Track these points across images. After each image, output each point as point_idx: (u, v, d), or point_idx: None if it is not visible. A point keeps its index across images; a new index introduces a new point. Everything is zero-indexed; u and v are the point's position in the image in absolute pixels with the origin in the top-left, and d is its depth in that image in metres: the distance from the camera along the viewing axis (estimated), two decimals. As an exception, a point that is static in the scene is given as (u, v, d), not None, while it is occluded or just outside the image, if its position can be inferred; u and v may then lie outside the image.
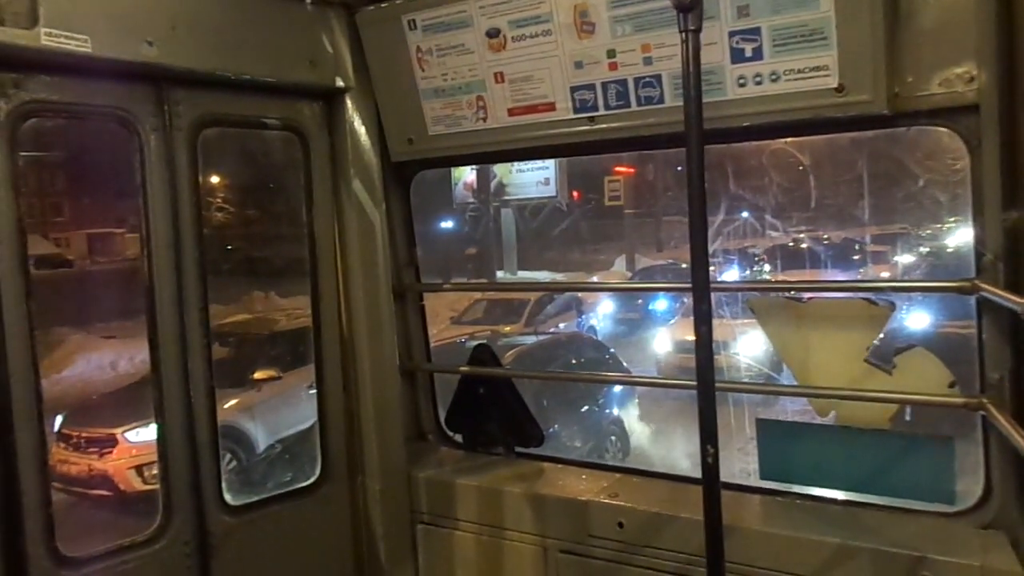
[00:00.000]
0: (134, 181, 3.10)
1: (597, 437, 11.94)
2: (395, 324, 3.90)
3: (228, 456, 10.95)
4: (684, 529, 3.13)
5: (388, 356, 3.80)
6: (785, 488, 3.28)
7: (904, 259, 18.21)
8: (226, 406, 11.04)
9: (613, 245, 29.20)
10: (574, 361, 13.22)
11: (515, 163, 23.96)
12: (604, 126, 3.23)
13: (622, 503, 3.36)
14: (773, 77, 2.83)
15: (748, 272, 19.49)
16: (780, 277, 17.95)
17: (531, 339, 15.24)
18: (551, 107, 3.30)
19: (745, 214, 20.00)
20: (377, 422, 3.73)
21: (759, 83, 2.86)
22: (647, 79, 3.07)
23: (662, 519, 3.23)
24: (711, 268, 2.37)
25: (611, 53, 3.09)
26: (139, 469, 9.97)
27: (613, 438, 12.08)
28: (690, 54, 2.18)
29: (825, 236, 20.45)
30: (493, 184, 25.05)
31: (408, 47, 3.50)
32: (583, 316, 20.10)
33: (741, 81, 2.89)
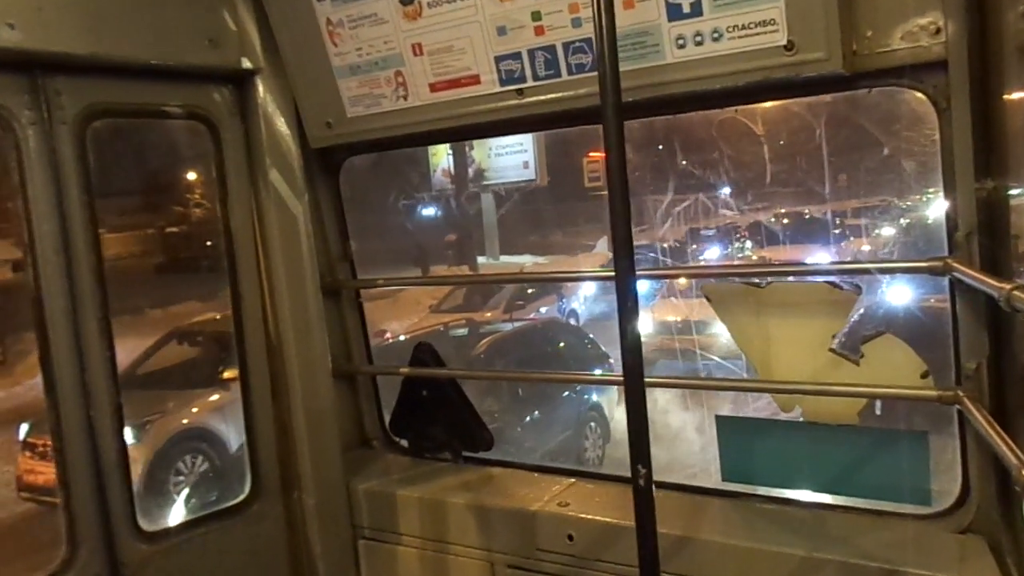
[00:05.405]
0: (11, 182, 2.78)
1: (576, 424, 11.73)
2: (329, 324, 3.63)
3: (200, 458, 10.78)
4: (636, 540, 2.87)
5: (319, 359, 3.51)
6: (749, 491, 3.03)
7: (866, 241, 17.78)
8: (194, 408, 10.85)
9: (594, 227, 28.88)
10: (549, 349, 12.96)
11: (493, 147, 23.53)
12: (534, 99, 2.91)
13: (572, 513, 3.11)
14: (715, 35, 2.52)
15: (704, 254, 19.07)
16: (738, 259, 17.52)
17: (508, 326, 15.02)
18: (475, 80, 2.98)
19: (700, 194, 19.50)
20: (310, 431, 3.45)
21: (700, 43, 2.54)
22: (577, 44, 2.75)
23: (613, 530, 2.97)
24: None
25: (536, 15, 2.77)
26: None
27: (592, 424, 11.87)
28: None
29: (783, 213, 19.90)
30: (472, 169, 24.71)
31: (318, 20, 3.17)
32: (564, 301, 19.84)
33: (680, 42, 2.57)
